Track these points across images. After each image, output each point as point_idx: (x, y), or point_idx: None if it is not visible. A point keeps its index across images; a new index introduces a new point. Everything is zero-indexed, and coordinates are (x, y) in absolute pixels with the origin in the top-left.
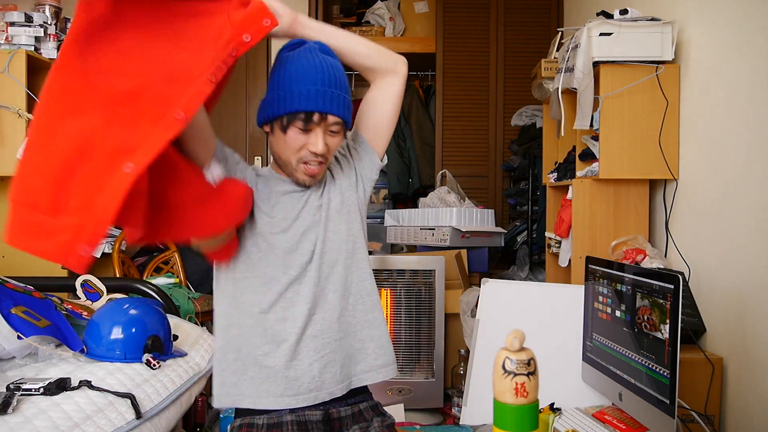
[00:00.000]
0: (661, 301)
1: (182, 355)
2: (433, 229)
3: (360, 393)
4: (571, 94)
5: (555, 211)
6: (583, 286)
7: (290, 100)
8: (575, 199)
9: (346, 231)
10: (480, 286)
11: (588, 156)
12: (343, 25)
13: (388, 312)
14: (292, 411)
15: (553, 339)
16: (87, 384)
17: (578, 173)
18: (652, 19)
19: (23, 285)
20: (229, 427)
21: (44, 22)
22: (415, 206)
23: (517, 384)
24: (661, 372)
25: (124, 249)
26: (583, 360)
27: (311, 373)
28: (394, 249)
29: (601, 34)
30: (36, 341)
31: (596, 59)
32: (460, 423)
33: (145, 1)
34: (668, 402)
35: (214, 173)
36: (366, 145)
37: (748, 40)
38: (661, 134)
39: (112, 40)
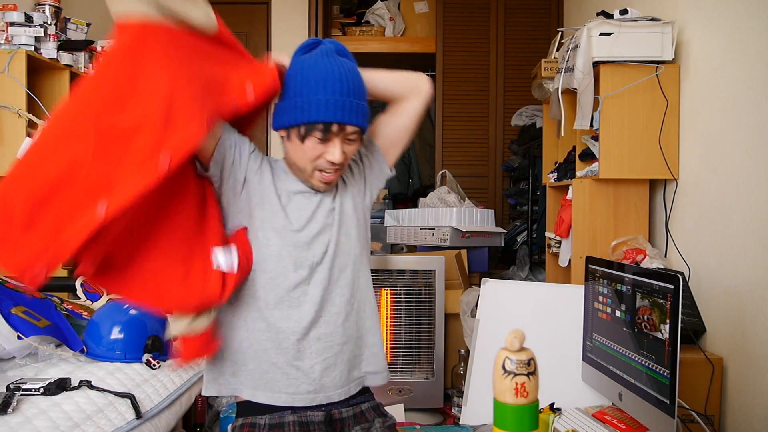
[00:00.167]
0: (661, 301)
1: None
2: (433, 229)
3: (362, 393)
4: (571, 94)
5: (555, 211)
6: (583, 286)
7: (309, 109)
8: (575, 199)
9: (356, 236)
10: (480, 286)
11: (588, 156)
12: (343, 25)
13: (388, 312)
14: (294, 411)
15: (553, 339)
16: (87, 384)
17: (578, 173)
18: (652, 19)
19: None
20: (230, 427)
21: (44, 22)
22: (415, 206)
23: (517, 384)
24: (661, 372)
25: None
26: (583, 360)
27: (312, 375)
28: (394, 249)
29: (601, 34)
30: (36, 341)
31: (596, 59)
32: (460, 423)
33: (176, 38)
34: (668, 402)
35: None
36: (379, 154)
37: (748, 40)
38: (661, 134)
39: (130, 72)
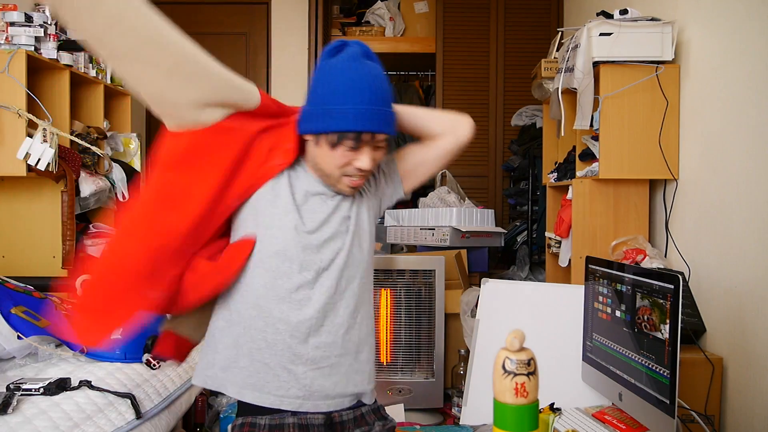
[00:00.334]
0: (661, 301)
1: None
2: (433, 229)
3: None
4: (571, 94)
5: (555, 211)
6: (583, 286)
7: (341, 118)
8: (575, 199)
9: (367, 249)
10: (480, 286)
11: (588, 156)
12: (343, 25)
13: (388, 312)
14: (294, 413)
15: (553, 339)
16: (87, 384)
17: (578, 173)
18: (652, 19)
19: (23, 285)
20: (230, 427)
21: (44, 22)
22: (415, 206)
23: (517, 384)
24: (661, 372)
25: None
26: (583, 360)
27: (304, 381)
28: (394, 249)
29: (601, 34)
30: (36, 341)
31: (596, 59)
32: (460, 423)
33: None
34: (668, 402)
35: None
36: (397, 176)
37: (748, 40)
38: (661, 134)
39: (185, 170)
